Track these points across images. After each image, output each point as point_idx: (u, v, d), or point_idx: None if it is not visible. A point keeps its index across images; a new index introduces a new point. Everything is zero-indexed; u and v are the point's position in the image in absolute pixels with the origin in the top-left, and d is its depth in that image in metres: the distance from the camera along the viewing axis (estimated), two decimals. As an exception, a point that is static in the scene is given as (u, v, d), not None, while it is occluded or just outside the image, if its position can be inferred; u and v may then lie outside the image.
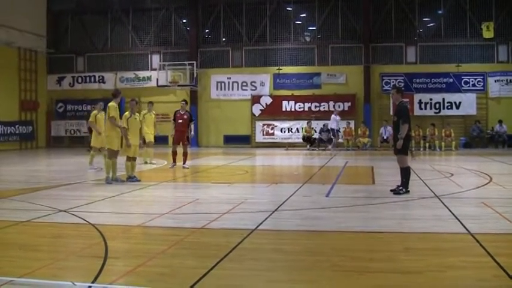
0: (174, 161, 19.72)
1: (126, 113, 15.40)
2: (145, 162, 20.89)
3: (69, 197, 12.01)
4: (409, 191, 12.08)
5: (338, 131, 31.57)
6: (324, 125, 32.28)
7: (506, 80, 32.33)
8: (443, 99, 32.94)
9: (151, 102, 22.15)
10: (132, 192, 13.01)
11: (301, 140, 32.99)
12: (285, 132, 34.53)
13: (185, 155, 19.53)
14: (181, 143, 19.62)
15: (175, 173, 18.12)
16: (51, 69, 37.95)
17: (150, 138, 20.96)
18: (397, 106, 12.52)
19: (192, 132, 20.61)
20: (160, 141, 35.41)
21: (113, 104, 15.00)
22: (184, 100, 20.95)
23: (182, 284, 5.73)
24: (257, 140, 34.98)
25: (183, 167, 19.14)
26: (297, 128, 34.03)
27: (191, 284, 5.65)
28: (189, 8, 36.41)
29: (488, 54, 33.15)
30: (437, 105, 32.92)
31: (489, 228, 8.36)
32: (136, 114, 15.74)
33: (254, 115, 35.12)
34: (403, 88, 28.16)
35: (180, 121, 19.55)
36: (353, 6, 34.75)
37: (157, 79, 35.31)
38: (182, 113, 19.73)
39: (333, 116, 31.32)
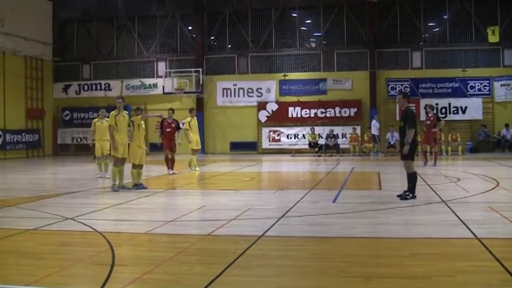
0: (168, 167, 20.21)
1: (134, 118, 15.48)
2: (195, 169, 21.13)
3: (76, 205, 12.03)
4: (415, 196, 12.05)
5: (378, 136, 31.52)
6: (330, 131, 32.30)
7: (512, 84, 32.29)
8: (449, 104, 32.89)
9: (193, 108, 22.66)
10: (138, 199, 13.02)
11: (307, 146, 32.95)
12: (291, 138, 34.52)
13: (172, 161, 20.14)
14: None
15: (181, 180, 18.13)
16: (57, 77, 38.08)
17: (197, 145, 21.35)
18: (404, 111, 12.50)
19: (179, 141, 21.06)
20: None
21: (112, 113, 15.11)
22: (171, 109, 21.21)
23: (189, 291, 5.75)
24: (263, 147, 34.97)
25: (173, 173, 19.79)
26: (303, 134, 34.00)
27: (198, 291, 5.66)
28: (195, 15, 36.49)
29: (493, 58, 33.10)
30: (443, 110, 32.84)
31: (496, 233, 8.33)
32: (142, 121, 15.74)
33: (260, 121, 35.13)
34: (409, 93, 28.23)
35: (168, 130, 20.34)
36: (358, 12, 34.80)
37: (163, 86, 35.36)
38: (170, 121, 20.45)
39: (373, 121, 31.30)
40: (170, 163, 20.16)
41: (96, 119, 19.48)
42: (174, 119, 20.63)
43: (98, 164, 19.45)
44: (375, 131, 31.36)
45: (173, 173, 19.93)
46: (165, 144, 20.33)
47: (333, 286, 5.91)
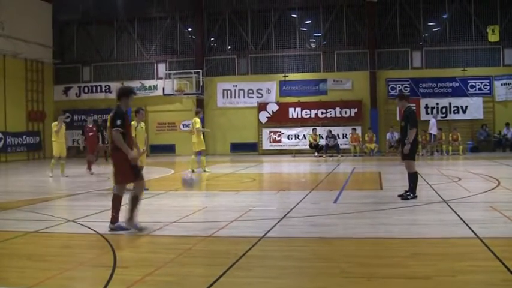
0: (90, 168, 22.06)
1: (133, 122, 15.35)
2: (204, 171, 21.20)
3: (77, 207, 12.04)
4: (417, 196, 12.05)
5: (435, 136, 31.00)
6: (329, 131, 32.29)
7: (513, 83, 32.28)
8: (450, 103, 32.87)
9: (199, 109, 23.20)
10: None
11: (308, 147, 32.93)
12: (291, 139, 34.51)
13: (90, 163, 22.17)
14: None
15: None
16: (57, 79, 38.07)
17: (201, 147, 21.27)
18: (405, 111, 12.48)
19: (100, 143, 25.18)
20: (166, 150, 35.70)
21: (111, 115, 15.05)
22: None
23: (191, 292, 5.75)
24: (264, 147, 34.95)
25: (92, 173, 21.46)
26: (304, 135, 33.97)
27: (200, 293, 5.66)
28: (195, 16, 36.50)
29: (494, 57, 33.08)
30: (443, 110, 32.84)
31: (498, 233, 8.33)
32: (142, 123, 15.70)
33: (261, 122, 35.12)
34: (408, 94, 28.12)
35: (91, 134, 22.95)
36: (358, 12, 34.81)
37: (163, 88, 35.40)
38: (90, 126, 23.13)
39: (432, 120, 31.03)
40: (87, 164, 22.09)
41: (56, 122, 21.04)
42: (94, 123, 23.89)
43: (52, 165, 20.77)
44: (433, 130, 30.79)
45: (92, 173, 21.48)
46: (88, 147, 22.82)
47: (335, 287, 5.91)
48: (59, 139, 20.86)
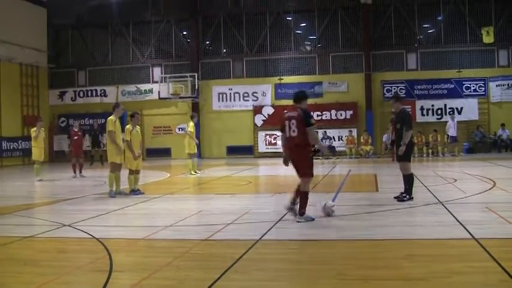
0: (75, 171, 22.47)
1: (128, 126, 15.34)
2: (195, 172, 21.96)
3: (73, 212, 12.01)
4: (412, 198, 12.06)
5: (455, 137, 30.79)
6: (324, 132, 32.30)
7: (508, 85, 32.34)
8: (445, 105, 32.94)
9: (194, 114, 24.14)
10: (136, 205, 13.00)
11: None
12: (287, 141, 34.44)
13: (80, 166, 22.87)
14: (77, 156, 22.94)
15: (178, 185, 18.12)
16: (52, 84, 38.07)
17: (193, 149, 22.04)
18: (400, 113, 12.49)
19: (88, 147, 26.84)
20: (161, 153, 35.68)
21: (110, 118, 15.01)
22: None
23: (187, 296, 5.73)
24: (260, 150, 34.97)
25: (81, 176, 22.25)
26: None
27: (196, 296, 5.65)
28: (189, 20, 36.55)
29: (488, 59, 33.18)
30: (439, 111, 32.91)
31: (494, 233, 8.33)
32: (137, 127, 15.68)
33: (256, 125, 35.14)
34: (403, 95, 28.19)
35: (76, 138, 23.20)
36: (353, 14, 34.85)
37: (158, 92, 35.35)
38: (76, 130, 23.50)
39: (450, 122, 30.81)
40: (78, 167, 22.53)
41: (35, 128, 21.75)
42: (80, 128, 24.36)
43: (36, 169, 21.34)
44: (451, 131, 30.68)
45: (82, 176, 22.15)
46: (72, 151, 23.22)
47: (331, 289, 5.92)
48: (38, 144, 21.58)
